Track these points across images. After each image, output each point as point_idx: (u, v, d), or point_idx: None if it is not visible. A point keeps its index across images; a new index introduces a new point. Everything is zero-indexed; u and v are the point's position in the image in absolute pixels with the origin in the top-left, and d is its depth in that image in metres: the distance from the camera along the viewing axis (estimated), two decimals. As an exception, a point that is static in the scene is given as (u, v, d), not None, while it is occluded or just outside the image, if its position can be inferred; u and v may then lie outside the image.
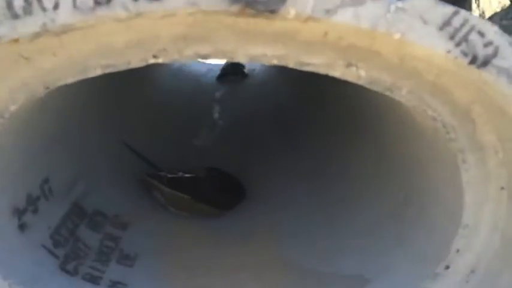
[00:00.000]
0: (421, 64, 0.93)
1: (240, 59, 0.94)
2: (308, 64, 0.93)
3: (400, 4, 0.78)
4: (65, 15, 0.74)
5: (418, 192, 1.19)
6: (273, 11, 0.76)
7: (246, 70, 3.38)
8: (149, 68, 2.58)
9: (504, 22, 2.85)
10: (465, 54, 0.80)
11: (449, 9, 0.78)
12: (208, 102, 2.89)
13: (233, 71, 3.31)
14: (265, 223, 1.58)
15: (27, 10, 0.72)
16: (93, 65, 0.90)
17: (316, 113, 2.12)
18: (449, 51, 0.80)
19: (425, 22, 0.79)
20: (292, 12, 0.76)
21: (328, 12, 0.77)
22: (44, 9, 0.73)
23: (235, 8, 0.75)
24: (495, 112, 0.93)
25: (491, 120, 0.95)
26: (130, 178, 1.77)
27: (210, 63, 3.46)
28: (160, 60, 0.92)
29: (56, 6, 0.74)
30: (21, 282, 1.00)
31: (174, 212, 1.66)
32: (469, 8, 3.11)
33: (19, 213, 1.10)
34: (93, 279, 1.19)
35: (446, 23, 0.79)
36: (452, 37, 0.79)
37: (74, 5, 0.74)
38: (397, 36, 0.79)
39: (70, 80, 0.90)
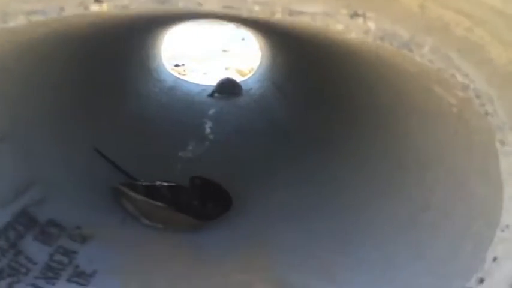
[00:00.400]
0: (448, 14, 0.72)
1: (213, 6, 0.73)
2: (300, 13, 0.72)
3: None
4: None
5: (440, 191, 0.96)
6: None
7: (241, 89, 3.26)
8: (140, 84, 2.44)
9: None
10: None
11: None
12: (200, 119, 2.76)
13: (227, 89, 3.20)
14: (253, 237, 1.34)
15: None
16: (14, 12, 0.69)
17: (313, 127, 1.93)
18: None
19: None
20: None
21: None
22: None
23: None
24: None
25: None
26: (100, 188, 1.53)
27: (204, 84, 3.40)
28: (104, 7, 0.71)
29: None
30: None
31: (148, 224, 1.41)
32: None
33: None
34: (30, 301, 0.95)
35: None
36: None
37: None
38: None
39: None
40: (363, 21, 0.72)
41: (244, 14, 0.73)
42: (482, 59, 0.73)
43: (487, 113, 0.76)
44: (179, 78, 3.50)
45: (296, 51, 2.15)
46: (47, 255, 1.12)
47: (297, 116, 2.28)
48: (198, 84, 3.44)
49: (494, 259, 0.80)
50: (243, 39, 5.29)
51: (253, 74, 3.60)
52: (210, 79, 3.63)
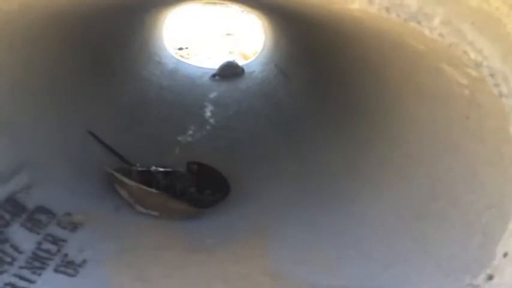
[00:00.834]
0: (461, -19, 0.65)
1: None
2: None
3: None
4: None
5: (449, 181, 0.89)
6: None
7: (242, 70, 3.21)
8: (140, 66, 2.37)
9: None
10: None
11: None
12: (201, 102, 2.69)
13: (229, 71, 3.15)
14: (252, 226, 1.28)
15: None
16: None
17: (317, 111, 1.86)
18: None
19: None
20: None
21: None
22: None
23: None
24: None
25: None
26: (93, 172, 1.48)
27: (206, 67, 3.33)
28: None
29: None
30: None
31: (143, 211, 1.36)
32: None
33: None
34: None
35: None
36: None
37: None
38: None
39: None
40: (368, -9, 0.65)
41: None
42: (498, 34, 0.66)
43: (501, 94, 0.69)
44: (181, 61, 3.44)
45: (299, 33, 2.07)
46: (34, 243, 1.07)
47: (299, 100, 2.21)
48: (199, 67, 3.37)
49: (505, 254, 0.74)
50: (247, 22, 5.19)
51: (257, 57, 3.52)
52: (213, 62, 3.57)
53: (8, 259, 0.98)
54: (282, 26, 2.54)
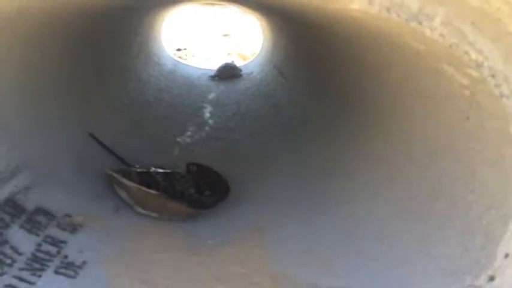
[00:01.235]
0: (461, -19, 0.65)
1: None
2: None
3: None
4: None
5: (449, 181, 0.89)
6: None
7: (240, 71, 3.22)
8: (139, 66, 2.37)
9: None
10: None
11: None
12: (200, 103, 2.69)
13: (228, 73, 3.15)
14: (251, 227, 1.28)
15: None
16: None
17: (316, 112, 1.86)
18: None
19: None
20: None
21: None
22: None
23: None
24: None
25: None
26: (93, 174, 1.47)
27: (204, 68, 3.33)
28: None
29: None
30: None
31: (142, 213, 1.36)
32: None
33: None
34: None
35: None
36: None
37: None
38: None
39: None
40: (368, -9, 0.65)
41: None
42: (499, 34, 0.66)
43: (502, 95, 0.69)
44: (179, 62, 3.44)
45: (298, 34, 2.07)
46: (33, 245, 1.07)
47: (298, 101, 2.21)
48: (198, 68, 3.36)
49: (506, 256, 0.74)
50: (245, 23, 5.20)
51: (255, 58, 3.52)
52: (212, 63, 3.57)
53: (8, 261, 0.98)
54: (280, 26, 2.54)
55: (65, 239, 1.14)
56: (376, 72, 1.18)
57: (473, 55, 0.68)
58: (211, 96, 2.86)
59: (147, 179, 1.44)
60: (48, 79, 1.48)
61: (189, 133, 2.24)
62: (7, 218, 1.08)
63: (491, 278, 0.77)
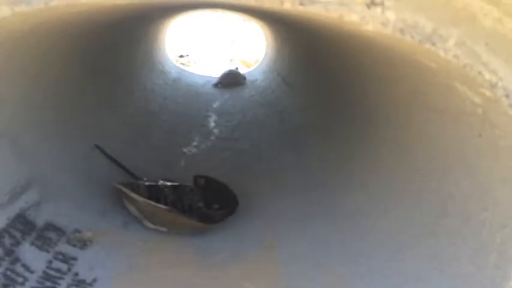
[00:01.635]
0: (475, 2, 0.65)
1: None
2: (312, 2, 0.65)
3: None
4: None
5: (461, 197, 0.89)
6: None
7: (244, 78, 3.22)
8: (144, 76, 2.37)
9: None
10: None
11: None
12: (205, 112, 2.69)
13: (231, 80, 3.15)
14: (261, 242, 1.27)
15: None
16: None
17: (323, 122, 1.85)
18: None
19: None
20: None
21: None
22: None
23: None
24: None
25: None
26: (101, 188, 1.47)
27: (208, 76, 3.34)
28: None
29: None
30: None
31: (151, 227, 1.36)
32: None
33: None
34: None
35: None
36: None
37: None
38: None
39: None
40: (381, 11, 0.65)
41: (252, 3, 0.66)
42: (513, 55, 0.66)
43: (517, 114, 0.69)
44: (184, 70, 3.44)
45: (304, 42, 2.06)
46: (44, 262, 1.07)
47: (304, 110, 2.20)
48: (202, 76, 3.38)
49: (521, 275, 0.73)
50: (248, 30, 5.21)
51: (259, 65, 3.53)
52: (215, 70, 3.57)
53: (20, 279, 0.98)
54: (284, 35, 2.54)
55: (75, 255, 1.14)
56: (386, 85, 1.17)
57: (487, 75, 0.68)
58: (215, 104, 2.86)
59: (155, 193, 1.43)
60: (54, 92, 1.48)
61: (194, 143, 2.24)
62: (18, 235, 1.08)
63: (505, 298, 0.77)
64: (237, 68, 3.59)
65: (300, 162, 1.72)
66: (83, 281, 1.05)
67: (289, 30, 2.15)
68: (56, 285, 1.01)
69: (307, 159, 1.70)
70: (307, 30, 1.48)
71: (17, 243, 1.06)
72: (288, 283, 1.05)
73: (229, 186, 1.52)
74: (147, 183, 1.49)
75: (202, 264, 1.20)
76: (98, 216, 1.33)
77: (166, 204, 1.40)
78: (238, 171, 1.80)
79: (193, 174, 1.57)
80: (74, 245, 1.17)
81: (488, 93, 0.71)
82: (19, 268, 1.00)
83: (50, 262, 1.08)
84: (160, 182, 1.51)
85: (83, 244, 1.19)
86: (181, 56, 4.30)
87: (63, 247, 1.15)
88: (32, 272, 1.02)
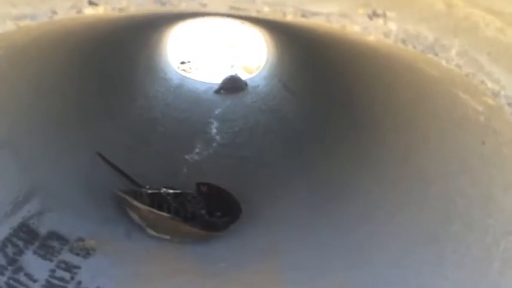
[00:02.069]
0: (477, 12, 0.65)
1: (218, 7, 0.67)
2: (314, 14, 0.65)
3: None
4: None
5: (464, 204, 0.89)
6: None
7: (246, 85, 3.23)
8: (146, 83, 2.37)
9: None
10: None
11: None
12: (207, 119, 2.70)
13: (232, 86, 3.16)
14: (264, 250, 1.27)
15: None
16: (1, 17, 0.63)
17: (325, 128, 1.85)
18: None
19: None
20: None
21: None
22: None
23: None
24: None
25: None
26: (104, 196, 1.47)
27: (210, 82, 3.35)
28: (100, 10, 0.65)
29: None
30: None
31: (154, 235, 1.36)
32: None
33: None
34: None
35: None
36: None
37: None
38: None
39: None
40: (383, 22, 0.66)
41: (253, 14, 0.66)
42: (515, 64, 0.66)
43: (520, 123, 0.69)
44: (185, 77, 3.45)
45: (305, 48, 2.07)
46: (47, 271, 1.07)
47: (306, 116, 2.20)
48: (203, 82, 3.38)
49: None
50: (249, 36, 5.22)
51: (260, 71, 3.53)
52: (217, 76, 3.58)
53: (22, 289, 0.98)
54: (285, 41, 2.55)
55: (78, 264, 1.14)
56: (389, 92, 1.18)
57: (490, 84, 0.68)
58: (217, 111, 2.86)
59: (158, 200, 1.43)
60: (56, 101, 1.49)
61: (197, 150, 2.24)
62: (21, 244, 1.08)
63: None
64: (236, 74, 3.59)
65: (302, 168, 1.72)
66: (86, 290, 1.05)
67: (290, 37, 2.16)
68: (60, 294, 1.01)
69: (309, 166, 1.70)
70: (308, 37, 1.49)
71: (20, 252, 1.06)
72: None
73: (232, 193, 1.52)
74: (149, 191, 1.49)
75: (205, 272, 1.20)
76: (100, 225, 1.33)
77: (169, 212, 1.40)
78: (240, 178, 1.80)
79: (196, 181, 1.57)
80: (77, 254, 1.18)
81: (490, 101, 0.71)
82: (22, 277, 1.00)
83: (53, 271, 1.08)
84: (163, 190, 1.51)
85: (86, 253, 1.19)
86: (182, 63, 4.31)
87: (66, 256, 1.15)
88: (35, 281, 1.02)
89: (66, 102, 1.56)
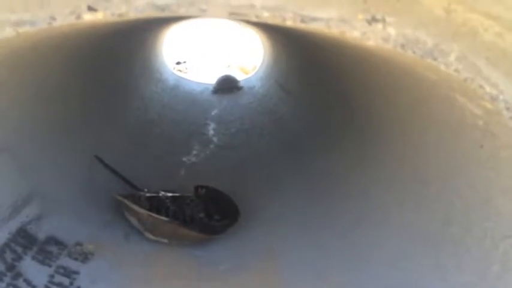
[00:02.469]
0: (476, 17, 0.66)
1: (218, 12, 0.67)
2: (313, 19, 0.65)
3: None
4: None
5: (462, 206, 0.89)
6: None
7: (241, 85, 3.23)
8: (142, 84, 2.36)
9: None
10: None
11: None
12: (203, 120, 2.69)
13: (227, 85, 3.16)
14: (263, 253, 1.27)
15: None
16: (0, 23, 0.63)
17: (321, 130, 1.85)
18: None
19: None
20: None
21: None
22: None
23: None
24: None
25: None
26: (102, 199, 1.47)
27: (206, 83, 3.34)
28: (99, 16, 0.65)
29: None
30: None
31: (152, 239, 1.35)
32: None
33: None
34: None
35: None
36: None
37: None
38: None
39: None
40: (382, 27, 0.66)
41: (253, 20, 0.66)
42: (514, 68, 0.66)
43: (519, 126, 0.69)
44: (181, 77, 3.44)
45: (302, 49, 2.07)
46: (46, 276, 1.06)
47: (302, 117, 2.20)
48: (199, 83, 3.38)
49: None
50: (245, 36, 5.21)
51: (256, 72, 3.53)
52: (212, 77, 3.57)
53: (21, 295, 0.98)
54: (282, 42, 2.54)
55: (77, 269, 1.13)
56: (387, 94, 1.18)
57: (488, 89, 0.68)
58: (214, 112, 2.86)
59: (156, 204, 1.43)
60: (54, 105, 1.48)
61: (194, 152, 2.23)
62: (20, 249, 1.07)
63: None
64: (230, 74, 3.59)
65: (300, 170, 1.72)
66: (85, 295, 1.05)
67: (287, 38, 2.16)
68: (59, 300, 1.01)
69: (306, 167, 1.70)
70: (305, 39, 1.49)
71: (19, 258, 1.05)
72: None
73: (230, 195, 1.52)
74: (148, 195, 1.48)
75: (204, 275, 1.20)
76: (99, 229, 1.33)
77: (167, 215, 1.39)
78: (238, 180, 1.80)
79: (194, 183, 1.57)
80: (76, 258, 1.17)
81: (489, 105, 0.71)
82: (21, 283, 1.00)
83: (52, 276, 1.07)
84: (161, 193, 1.51)
85: (85, 257, 1.19)
86: (178, 63, 4.30)
87: (65, 261, 1.14)
88: (34, 286, 1.02)
89: (64, 107, 1.55)
